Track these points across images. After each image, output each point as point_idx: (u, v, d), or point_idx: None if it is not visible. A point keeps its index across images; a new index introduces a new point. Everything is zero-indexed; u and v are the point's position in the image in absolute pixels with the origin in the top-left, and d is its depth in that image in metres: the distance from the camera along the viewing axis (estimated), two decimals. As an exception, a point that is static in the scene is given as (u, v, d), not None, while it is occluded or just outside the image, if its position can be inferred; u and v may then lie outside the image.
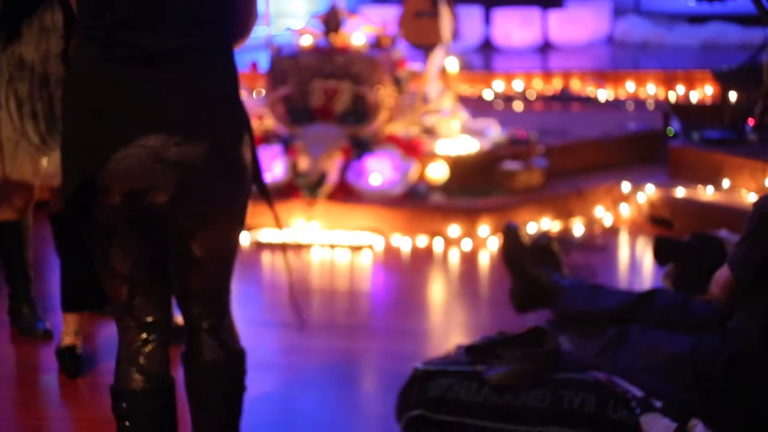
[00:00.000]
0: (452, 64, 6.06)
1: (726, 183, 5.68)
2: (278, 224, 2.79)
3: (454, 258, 5.39)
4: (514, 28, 9.72)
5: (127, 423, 2.66)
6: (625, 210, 5.87)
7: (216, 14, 2.51)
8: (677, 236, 4.54)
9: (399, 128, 5.93)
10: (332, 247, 5.49)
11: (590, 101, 7.83)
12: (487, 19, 9.83)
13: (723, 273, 3.16)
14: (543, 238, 3.97)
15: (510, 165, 5.85)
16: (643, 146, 6.53)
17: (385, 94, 5.93)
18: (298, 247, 5.46)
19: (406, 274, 5.22)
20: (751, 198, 5.41)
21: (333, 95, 5.93)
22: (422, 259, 5.37)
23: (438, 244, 5.52)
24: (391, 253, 5.46)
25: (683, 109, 6.65)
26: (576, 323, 3.50)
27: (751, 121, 6.00)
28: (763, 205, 3.11)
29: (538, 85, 8.27)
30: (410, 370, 3.28)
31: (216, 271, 2.66)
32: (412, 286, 5.08)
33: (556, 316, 3.70)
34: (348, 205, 5.68)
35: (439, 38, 6.37)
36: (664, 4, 10.26)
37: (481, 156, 5.96)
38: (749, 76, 6.20)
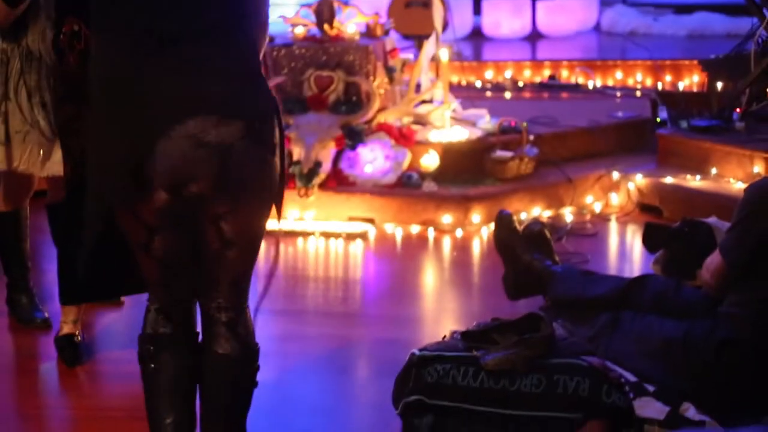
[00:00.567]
0: (443, 54, 6.08)
1: (713, 171, 5.74)
2: (279, 215, 2.80)
3: (447, 246, 5.43)
4: (504, 17, 9.74)
5: (153, 365, 2.73)
6: (615, 198, 5.93)
7: None
8: (666, 223, 4.58)
9: (391, 117, 5.95)
10: (326, 235, 5.53)
11: (578, 88, 7.86)
12: (477, 9, 9.85)
13: (714, 259, 3.19)
14: (535, 224, 3.98)
15: (501, 153, 5.89)
16: (632, 134, 6.58)
17: (377, 83, 5.95)
18: (293, 235, 5.49)
19: (399, 262, 5.25)
20: (738, 186, 5.47)
21: (326, 85, 5.96)
22: (415, 247, 5.40)
23: (431, 232, 5.56)
24: (384, 241, 5.49)
25: (671, 97, 6.69)
26: (568, 309, 3.52)
27: (738, 110, 6.05)
28: (753, 192, 3.15)
29: (528, 74, 8.31)
30: (404, 356, 3.30)
31: (241, 259, 2.69)
32: (406, 274, 5.10)
33: (548, 303, 3.71)
34: (341, 194, 5.70)
35: (431, 28, 6.39)
36: (651, -6, 10.29)
37: (473, 144, 5.99)
38: (736, 65, 6.24)
